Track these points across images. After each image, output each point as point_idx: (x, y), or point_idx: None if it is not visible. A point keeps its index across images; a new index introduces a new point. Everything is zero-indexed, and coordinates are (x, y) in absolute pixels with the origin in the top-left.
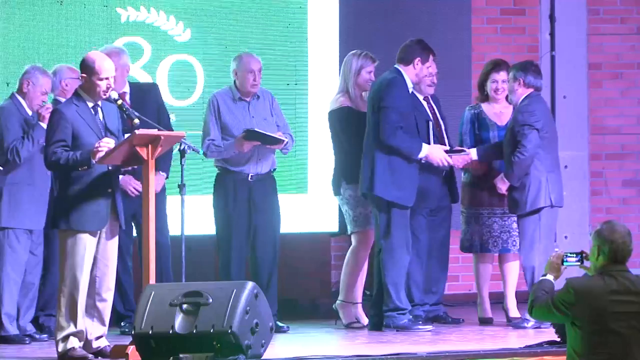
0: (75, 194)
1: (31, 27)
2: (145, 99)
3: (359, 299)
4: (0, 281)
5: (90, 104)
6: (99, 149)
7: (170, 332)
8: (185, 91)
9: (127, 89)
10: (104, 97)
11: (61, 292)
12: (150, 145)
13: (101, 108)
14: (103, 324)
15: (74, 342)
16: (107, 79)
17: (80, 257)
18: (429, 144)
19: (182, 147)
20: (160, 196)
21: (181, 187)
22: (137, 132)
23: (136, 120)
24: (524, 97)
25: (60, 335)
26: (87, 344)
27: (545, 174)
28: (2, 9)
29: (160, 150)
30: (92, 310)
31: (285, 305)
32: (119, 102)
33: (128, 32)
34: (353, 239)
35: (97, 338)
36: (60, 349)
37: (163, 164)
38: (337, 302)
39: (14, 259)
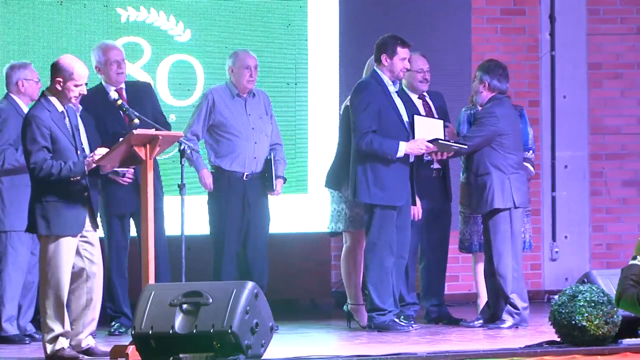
0: (53, 199)
1: (31, 27)
2: (142, 98)
3: (362, 299)
4: (2, 282)
5: (60, 108)
6: (93, 159)
7: (170, 332)
8: (185, 91)
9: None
10: (74, 102)
11: (45, 294)
12: (148, 145)
13: (67, 111)
14: (92, 322)
15: (63, 343)
16: (81, 85)
17: (63, 260)
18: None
19: (182, 147)
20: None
21: (181, 187)
22: (135, 132)
23: (136, 120)
24: (488, 99)
25: (48, 337)
26: (76, 343)
27: (508, 175)
28: (2, 9)
29: (158, 150)
30: (85, 310)
31: (285, 305)
32: (119, 102)
33: (128, 32)
34: (348, 239)
35: (86, 336)
36: (49, 350)
37: None
38: (350, 305)
39: (16, 259)
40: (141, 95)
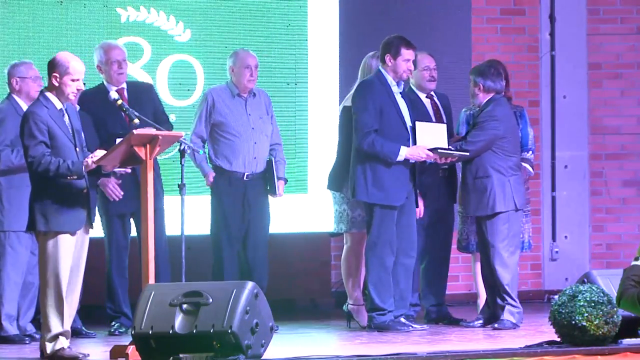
0: (52, 196)
1: (31, 27)
2: (143, 98)
3: (362, 300)
4: (1, 281)
5: (59, 106)
6: (93, 160)
7: (170, 332)
8: (185, 91)
9: (124, 85)
10: (72, 99)
11: (45, 293)
12: (148, 145)
13: (66, 110)
14: (68, 320)
15: (63, 342)
16: (78, 80)
17: (62, 257)
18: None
19: (182, 147)
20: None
21: (181, 187)
22: (135, 132)
23: (136, 120)
24: (486, 100)
25: (48, 336)
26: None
27: (508, 177)
28: (2, 9)
29: (158, 150)
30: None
31: (284, 305)
32: (119, 102)
33: (128, 32)
34: (349, 239)
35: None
36: (49, 350)
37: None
38: (350, 306)
39: (15, 259)
40: (142, 95)
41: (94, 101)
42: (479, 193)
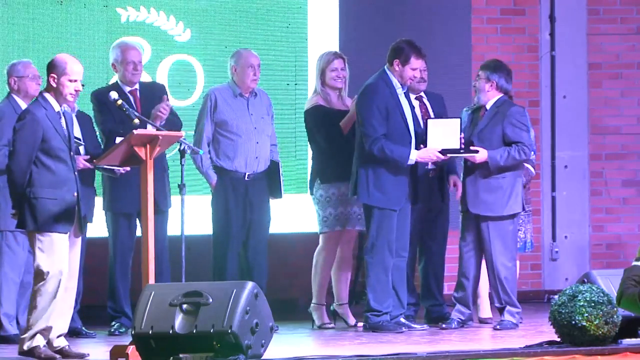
0: (42, 196)
1: (31, 27)
2: (154, 98)
3: (346, 299)
4: None
5: (57, 108)
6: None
7: (170, 332)
8: (185, 91)
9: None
10: (70, 100)
11: (38, 290)
12: (148, 145)
13: (64, 114)
14: (65, 323)
15: (39, 341)
16: (75, 81)
17: (57, 255)
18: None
19: (182, 147)
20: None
21: (181, 187)
22: (135, 132)
23: (136, 120)
24: (496, 99)
25: (27, 333)
26: (48, 343)
27: (518, 177)
28: (2, 9)
29: (158, 150)
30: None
31: (284, 305)
32: (119, 102)
33: (128, 32)
34: (320, 240)
35: (58, 336)
36: (25, 347)
37: None
38: (334, 305)
39: (12, 259)
40: (154, 96)
41: (107, 100)
42: (493, 192)
